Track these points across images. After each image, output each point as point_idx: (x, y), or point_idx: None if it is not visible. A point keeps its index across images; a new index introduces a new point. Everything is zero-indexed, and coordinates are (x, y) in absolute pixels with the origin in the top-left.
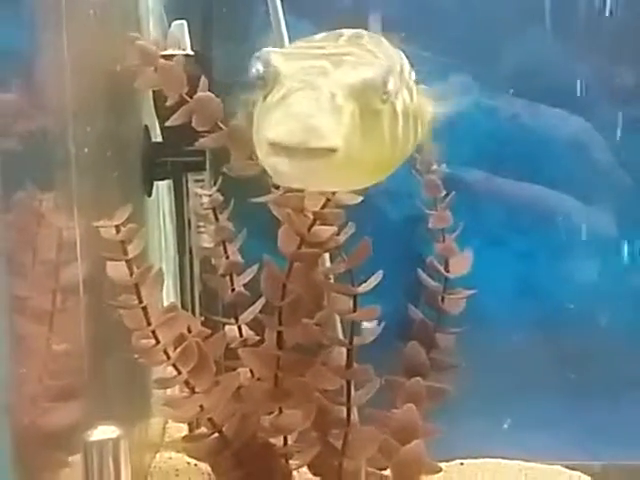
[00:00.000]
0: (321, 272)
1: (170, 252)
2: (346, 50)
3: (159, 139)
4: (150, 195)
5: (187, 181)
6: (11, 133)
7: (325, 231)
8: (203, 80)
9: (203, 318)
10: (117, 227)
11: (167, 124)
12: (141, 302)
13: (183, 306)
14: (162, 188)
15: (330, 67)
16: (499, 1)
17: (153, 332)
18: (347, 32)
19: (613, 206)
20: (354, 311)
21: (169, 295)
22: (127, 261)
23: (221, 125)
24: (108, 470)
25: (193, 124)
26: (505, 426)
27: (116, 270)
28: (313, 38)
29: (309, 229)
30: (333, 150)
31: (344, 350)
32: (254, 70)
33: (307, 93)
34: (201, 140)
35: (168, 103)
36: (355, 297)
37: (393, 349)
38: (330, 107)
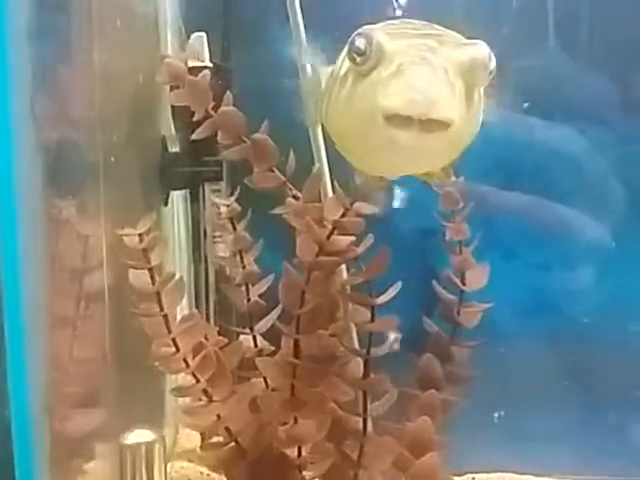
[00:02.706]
0: (338, 283)
1: (184, 261)
2: (438, 31)
3: (176, 149)
4: (167, 204)
5: (204, 191)
6: (47, 142)
7: (344, 240)
8: (227, 95)
9: (218, 327)
10: (140, 235)
11: (192, 137)
12: (162, 310)
13: None
14: (177, 197)
15: (436, 45)
16: None
17: (173, 340)
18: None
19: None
20: (372, 321)
21: (183, 303)
22: (149, 269)
23: (244, 138)
24: (141, 473)
25: (218, 138)
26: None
27: (138, 278)
28: (392, 23)
29: (328, 237)
30: (448, 124)
31: (361, 361)
32: (356, 46)
33: (424, 68)
34: (225, 152)
35: (195, 118)
36: (373, 308)
37: (407, 361)
38: (446, 82)
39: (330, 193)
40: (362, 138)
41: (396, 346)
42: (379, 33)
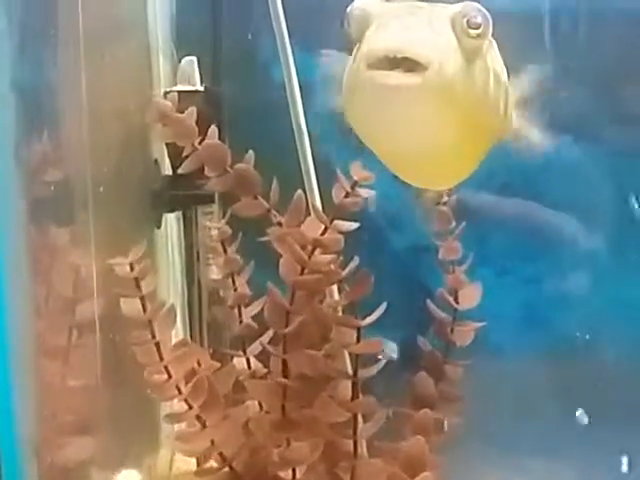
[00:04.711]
0: (328, 304)
1: (178, 283)
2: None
3: (168, 172)
4: (159, 227)
5: (196, 213)
6: (37, 178)
7: (326, 258)
8: (212, 128)
9: (211, 350)
10: (131, 264)
11: (180, 171)
12: (154, 338)
13: (191, 337)
14: (170, 219)
15: (425, 5)
16: None
17: (165, 367)
18: None
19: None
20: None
21: (177, 326)
22: (141, 298)
23: (228, 169)
24: None
25: (205, 171)
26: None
27: (130, 306)
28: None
29: (309, 256)
30: (426, 65)
31: (349, 383)
32: (347, 16)
33: (406, 18)
34: (209, 183)
35: (183, 154)
36: (359, 329)
37: (401, 379)
38: (427, 27)
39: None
40: (358, 101)
41: (394, 355)
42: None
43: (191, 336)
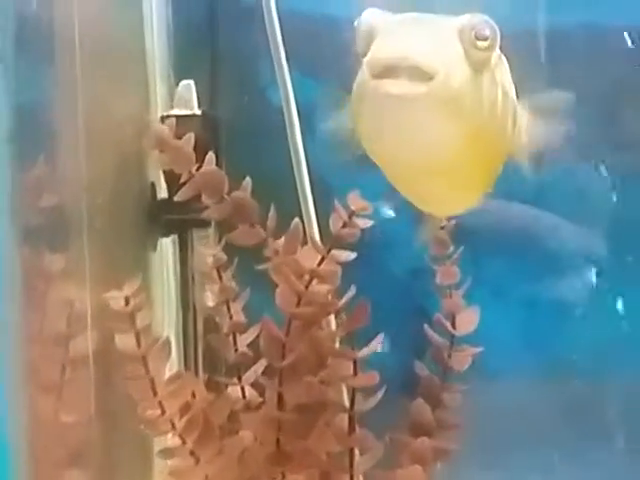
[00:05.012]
0: (325, 334)
1: (173, 308)
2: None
3: (164, 194)
4: (155, 250)
5: (192, 236)
6: (31, 204)
7: (323, 289)
8: (209, 155)
9: (206, 376)
10: (127, 298)
11: (176, 198)
12: (148, 373)
13: (186, 363)
14: (166, 242)
15: (430, 16)
16: None
17: (159, 402)
18: None
19: None
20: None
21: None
22: (136, 333)
23: (225, 196)
24: None
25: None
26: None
27: (124, 341)
28: None
29: (306, 287)
30: (431, 74)
31: (346, 415)
32: (357, 27)
33: (410, 28)
34: (206, 211)
35: (181, 181)
36: (355, 362)
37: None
38: (433, 37)
39: (317, 239)
40: (364, 112)
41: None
42: (376, 10)
43: (186, 362)
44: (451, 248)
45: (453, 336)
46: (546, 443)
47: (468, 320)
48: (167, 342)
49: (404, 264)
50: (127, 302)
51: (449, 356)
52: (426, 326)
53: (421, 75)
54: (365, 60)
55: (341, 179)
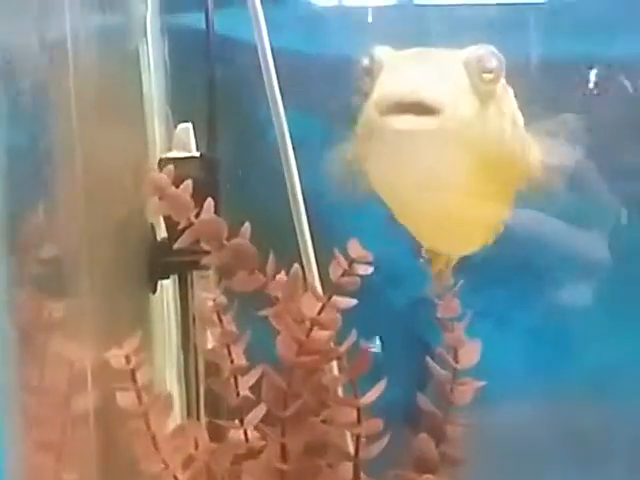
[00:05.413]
0: (328, 381)
1: (174, 349)
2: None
3: (164, 235)
4: (155, 292)
5: (192, 276)
6: (29, 253)
7: (324, 336)
8: (208, 202)
9: (208, 420)
10: (127, 356)
11: (175, 246)
12: (150, 429)
13: (188, 406)
14: (166, 283)
15: (435, 50)
16: None
17: (162, 459)
18: None
19: None
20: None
21: (173, 390)
22: (137, 390)
23: (225, 242)
24: None
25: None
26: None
27: (125, 399)
28: None
29: (307, 335)
30: (438, 109)
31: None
32: (362, 64)
33: (416, 64)
34: (206, 258)
35: (179, 227)
36: (359, 410)
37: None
38: (438, 71)
39: (317, 282)
40: (372, 150)
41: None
42: (380, 49)
43: (188, 405)
44: (452, 281)
45: (455, 369)
46: (551, 473)
47: (470, 353)
48: (169, 397)
49: (405, 296)
50: (128, 360)
51: (451, 390)
52: (428, 359)
53: (428, 110)
54: (371, 98)
55: (341, 216)
